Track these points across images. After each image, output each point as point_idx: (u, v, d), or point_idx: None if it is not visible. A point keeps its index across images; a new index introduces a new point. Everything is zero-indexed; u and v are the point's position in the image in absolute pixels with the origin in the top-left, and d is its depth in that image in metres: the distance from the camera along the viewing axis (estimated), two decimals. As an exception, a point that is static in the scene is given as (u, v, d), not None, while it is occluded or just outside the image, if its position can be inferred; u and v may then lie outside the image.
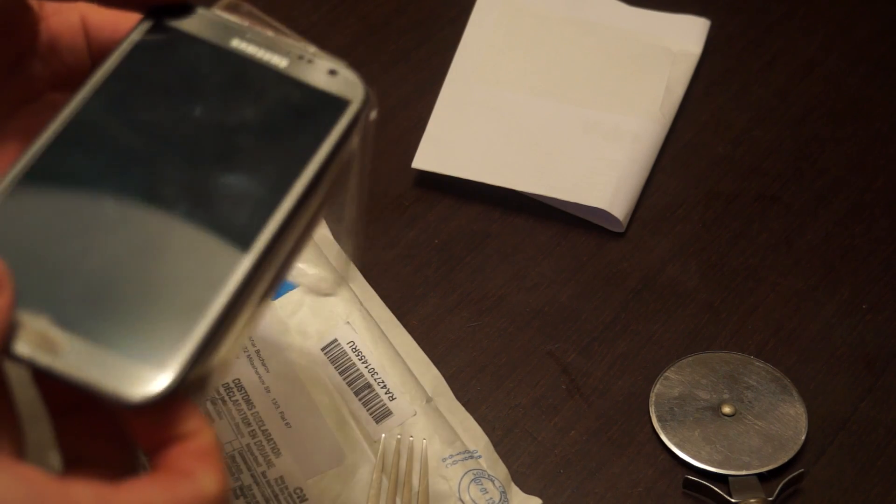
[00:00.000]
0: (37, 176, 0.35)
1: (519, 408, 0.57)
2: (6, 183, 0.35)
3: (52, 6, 0.39)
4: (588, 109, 0.67)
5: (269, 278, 0.35)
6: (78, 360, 0.31)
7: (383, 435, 0.53)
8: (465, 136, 0.66)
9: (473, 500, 0.52)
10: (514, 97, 0.68)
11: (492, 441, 0.55)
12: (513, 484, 0.54)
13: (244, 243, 0.34)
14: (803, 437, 0.55)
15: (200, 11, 0.39)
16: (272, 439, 0.53)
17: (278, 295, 0.57)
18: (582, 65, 0.70)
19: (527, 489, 0.54)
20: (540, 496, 0.54)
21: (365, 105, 0.38)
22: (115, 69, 0.37)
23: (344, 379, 0.55)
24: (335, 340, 0.56)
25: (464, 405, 0.56)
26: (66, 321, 0.32)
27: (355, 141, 0.38)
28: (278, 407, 0.54)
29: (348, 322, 0.56)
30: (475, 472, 0.53)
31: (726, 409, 0.56)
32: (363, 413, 0.54)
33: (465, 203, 0.65)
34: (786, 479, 0.53)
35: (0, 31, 0.37)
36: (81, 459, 0.33)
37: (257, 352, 0.55)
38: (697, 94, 0.70)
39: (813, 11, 0.74)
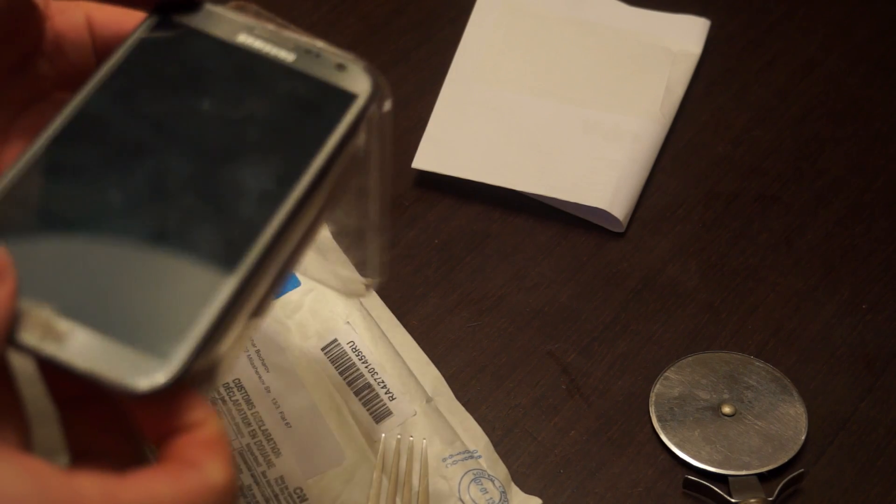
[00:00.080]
0: (41, 168, 0.35)
1: (519, 408, 0.57)
2: (11, 175, 0.35)
3: (57, 5, 0.39)
4: (588, 109, 0.67)
5: (275, 270, 0.35)
6: (82, 349, 0.31)
7: (383, 435, 0.53)
8: (465, 136, 0.66)
9: (473, 500, 0.52)
10: (514, 97, 0.68)
11: (492, 441, 0.55)
12: (513, 484, 0.54)
13: (250, 235, 0.34)
14: (803, 437, 0.55)
15: (207, 7, 0.39)
16: (272, 439, 0.53)
17: (279, 295, 0.57)
18: (582, 65, 0.70)
19: (527, 489, 0.54)
20: (540, 496, 0.54)
21: (372, 98, 0.38)
22: (120, 64, 0.37)
23: (344, 379, 0.55)
24: (335, 340, 0.56)
25: (464, 405, 0.56)
26: (71, 311, 0.32)
27: (362, 137, 0.38)
28: (278, 407, 0.54)
29: (348, 322, 0.56)
30: (475, 472, 0.53)
31: (726, 409, 0.56)
32: (363, 413, 0.54)
33: (465, 203, 0.65)
34: (786, 479, 0.53)
35: (6, 31, 0.37)
36: (89, 452, 0.33)
37: (257, 352, 0.55)
38: (697, 94, 0.70)
39: (813, 11, 0.74)
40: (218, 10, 0.39)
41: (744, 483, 0.54)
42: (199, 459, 0.31)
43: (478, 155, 0.65)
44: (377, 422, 0.54)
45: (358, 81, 0.38)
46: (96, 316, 0.32)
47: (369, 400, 0.54)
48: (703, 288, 0.62)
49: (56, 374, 0.33)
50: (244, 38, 0.38)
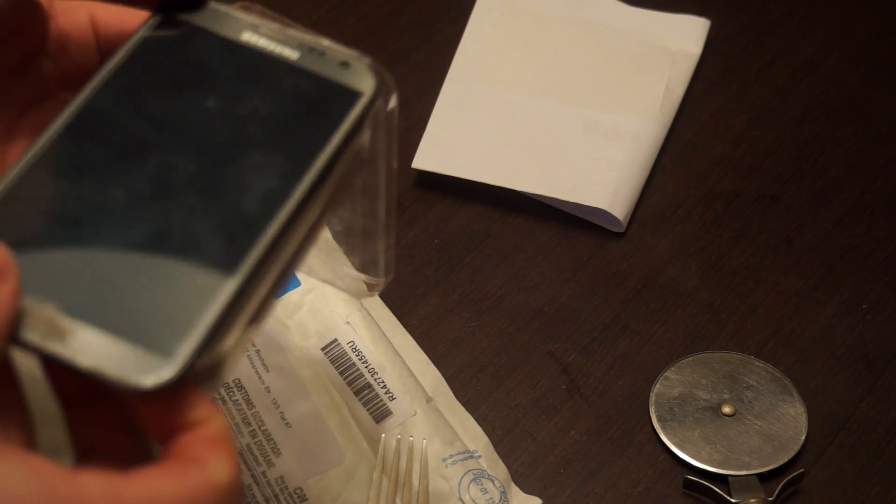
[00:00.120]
0: (44, 166, 0.35)
1: (519, 408, 0.57)
2: (15, 173, 0.35)
3: (61, 5, 0.39)
4: (588, 109, 0.67)
5: (279, 268, 0.35)
6: (86, 347, 0.31)
7: (383, 435, 0.53)
8: (465, 136, 0.66)
9: (473, 500, 0.52)
10: (514, 97, 0.68)
11: (492, 441, 0.55)
12: (513, 484, 0.54)
13: (254, 231, 0.34)
14: (803, 437, 0.55)
15: (211, 6, 0.39)
16: (272, 439, 0.53)
17: (279, 294, 0.57)
18: (582, 65, 0.70)
19: (527, 489, 0.54)
20: (540, 496, 0.54)
21: (377, 95, 0.38)
22: (124, 62, 0.37)
23: (344, 379, 0.55)
24: (335, 340, 0.56)
25: (464, 405, 0.56)
26: (74, 309, 0.32)
27: (367, 134, 0.38)
28: (278, 407, 0.53)
29: (348, 322, 0.56)
30: (475, 471, 0.53)
31: (726, 409, 0.56)
32: (363, 413, 0.54)
33: (465, 203, 0.65)
34: (786, 479, 0.53)
35: (10, 31, 0.37)
36: (93, 450, 0.33)
37: (257, 352, 0.55)
38: (697, 94, 0.70)
39: (813, 11, 0.74)
40: (222, 8, 0.39)
41: (744, 483, 0.54)
42: (203, 457, 0.31)
43: (478, 155, 0.65)
44: (377, 422, 0.54)
45: (362, 79, 0.38)
46: (100, 313, 0.32)
47: (369, 400, 0.54)
48: (703, 288, 0.62)
49: (60, 372, 0.33)
50: (248, 37, 0.38)
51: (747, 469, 0.54)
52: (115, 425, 0.33)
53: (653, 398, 0.57)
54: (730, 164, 0.67)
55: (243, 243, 0.34)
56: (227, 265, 0.34)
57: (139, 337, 0.32)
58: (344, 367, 0.55)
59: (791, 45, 0.73)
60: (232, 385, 0.54)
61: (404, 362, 0.56)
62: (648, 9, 0.72)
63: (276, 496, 0.51)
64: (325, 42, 0.39)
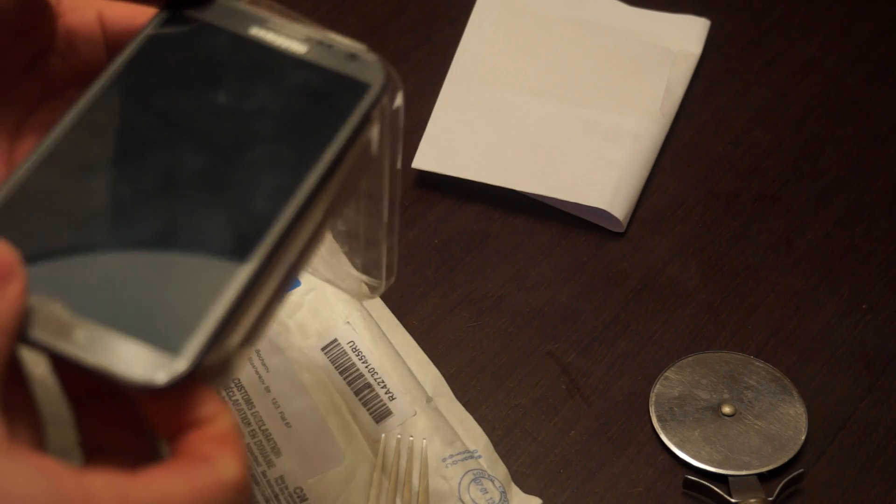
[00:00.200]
0: (53, 164, 0.35)
1: (519, 408, 0.57)
2: (23, 171, 0.35)
3: (69, 3, 0.39)
4: (588, 109, 0.67)
5: (287, 264, 0.35)
6: (94, 345, 0.31)
7: (383, 435, 0.53)
8: (465, 136, 0.66)
9: (473, 500, 0.52)
10: (514, 97, 0.68)
11: (492, 441, 0.55)
12: (513, 484, 0.54)
13: (263, 226, 0.34)
14: (803, 437, 0.55)
15: (219, 1, 0.39)
16: (272, 439, 0.53)
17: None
18: (582, 65, 0.70)
19: (527, 489, 0.54)
20: (540, 496, 0.54)
21: (385, 89, 0.38)
22: (132, 59, 0.37)
23: (344, 379, 0.55)
24: (335, 340, 0.56)
25: (464, 405, 0.56)
26: (82, 307, 0.32)
27: (375, 128, 0.38)
28: (278, 407, 0.53)
29: (348, 322, 0.56)
30: (475, 471, 0.53)
31: (726, 409, 0.56)
32: (363, 413, 0.54)
33: (465, 203, 0.65)
34: (786, 479, 0.53)
35: (19, 29, 0.37)
36: (101, 449, 0.33)
37: (257, 352, 0.55)
38: (697, 94, 0.70)
39: (813, 11, 0.74)
40: (230, 3, 0.39)
41: (744, 483, 0.54)
42: (212, 455, 0.31)
43: (478, 155, 0.65)
44: (377, 422, 0.54)
45: (371, 71, 0.38)
46: (108, 311, 0.32)
47: (369, 400, 0.54)
48: (703, 288, 0.62)
49: (68, 371, 0.33)
50: (256, 31, 0.38)
51: (747, 469, 0.54)
52: (123, 424, 0.33)
53: (653, 398, 0.57)
54: (730, 164, 0.67)
55: (252, 237, 0.34)
56: (235, 262, 0.33)
57: (147, 334, 0.32)
58: (344, 367, 0.55)
59: (791, 45, 0.73)
60: (232, 385, 0.54)
61: (404, 362, 0.56)
62: (648, 9, 0.72)
63: (276, 496, 0.51)
64: (333, 35, 0.39)
